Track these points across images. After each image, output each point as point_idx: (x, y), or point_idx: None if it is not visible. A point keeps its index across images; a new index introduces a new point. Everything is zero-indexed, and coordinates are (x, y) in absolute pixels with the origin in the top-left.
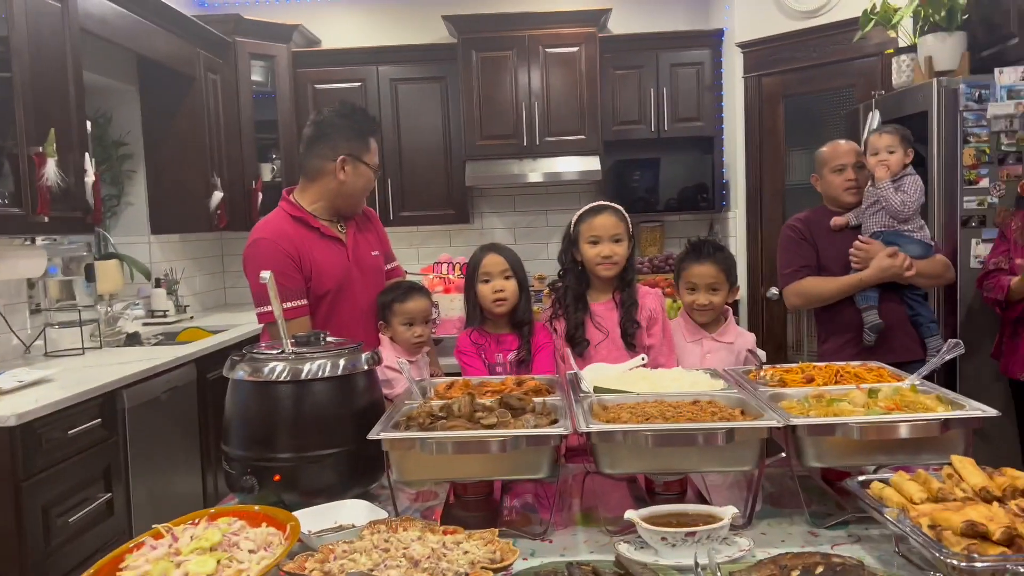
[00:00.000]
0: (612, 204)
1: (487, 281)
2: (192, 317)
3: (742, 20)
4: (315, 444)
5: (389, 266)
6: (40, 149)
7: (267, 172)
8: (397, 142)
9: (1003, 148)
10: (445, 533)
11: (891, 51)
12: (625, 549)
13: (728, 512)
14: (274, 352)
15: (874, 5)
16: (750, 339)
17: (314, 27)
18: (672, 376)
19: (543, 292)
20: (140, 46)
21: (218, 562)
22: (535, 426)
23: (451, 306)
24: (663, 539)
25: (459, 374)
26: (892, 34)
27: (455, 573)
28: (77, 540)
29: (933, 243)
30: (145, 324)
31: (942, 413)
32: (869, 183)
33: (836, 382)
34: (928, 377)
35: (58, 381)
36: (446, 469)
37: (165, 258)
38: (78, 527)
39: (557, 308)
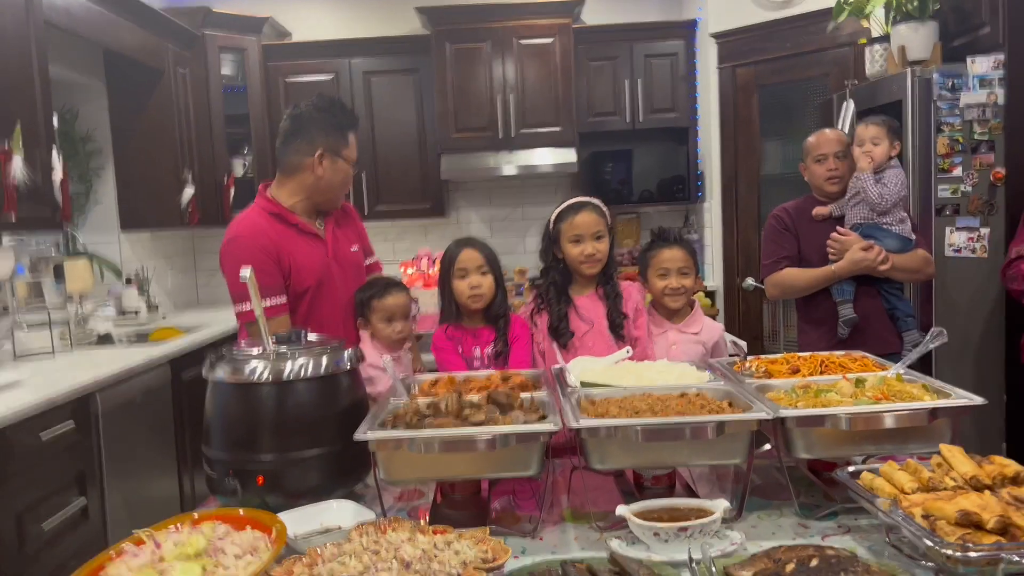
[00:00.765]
0: (591, 200)
1: (463, 277)
2: (165, 316)
3: (716, 10)
4: (299, 445)
5: (368, 261)
6: (5, 146)
7: (239, 167)
8: (371, 135)
9: (976, 137)
10: (435, 533)
11: (864, 41)
12: (617, 545)
13: (720, 506)
14: (254, 352)
15: None
16: (717, 330)
17: (285, 20)
18: (659, 368)
19: (524, 286)
20: (107, 39)
21: (204, 569)
22: (524, 423)
23: (432, 301)
24: (655, 534)
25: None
26: (865, 24)
27: (447, 574)
28: (52, 547)
29: (914, 237)
30: (117, 324)
31: (930, 402)
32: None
33: (821, 372)
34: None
35: (28, 384)
36: (434, 468)
37: (136, 256)
38: (53, 534)
39: (540, 303)
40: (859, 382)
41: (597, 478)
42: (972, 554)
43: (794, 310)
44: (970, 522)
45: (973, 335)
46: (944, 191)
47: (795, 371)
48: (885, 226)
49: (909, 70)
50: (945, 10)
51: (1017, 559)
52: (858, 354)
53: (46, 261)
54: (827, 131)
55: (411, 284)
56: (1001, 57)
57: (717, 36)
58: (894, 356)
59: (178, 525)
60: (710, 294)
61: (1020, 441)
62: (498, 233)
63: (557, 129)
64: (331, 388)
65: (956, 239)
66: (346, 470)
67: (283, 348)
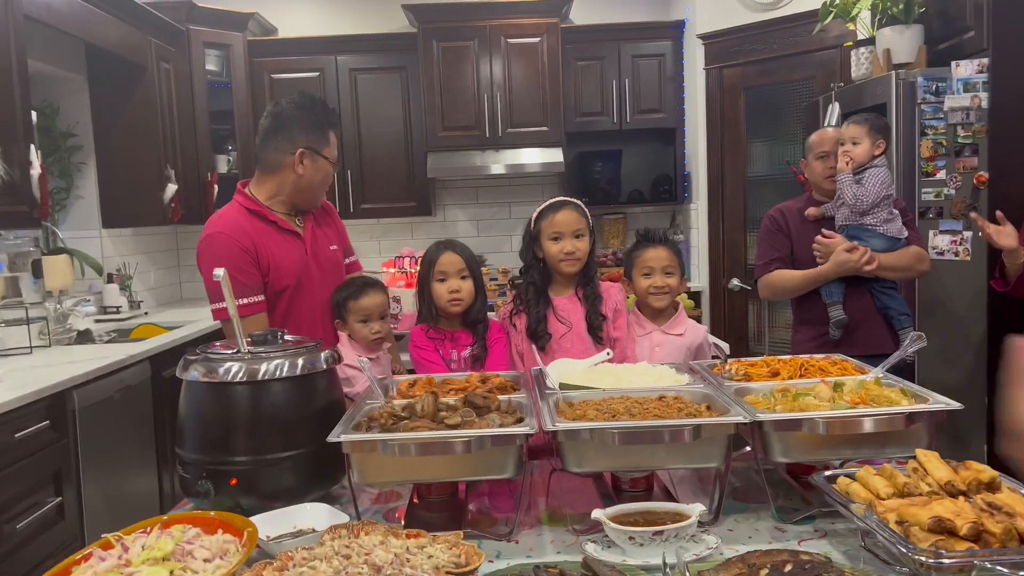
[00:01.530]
0: (572, 200)
1: (443, 280)
2: (147, 313)
3: (703, 12)
4: (273, 446)
5: (348, 260)
6: None
7: (223, 164)
8: (357, 133)
9: (960, 140)
10: (408, 537)
11: (850, 43)
12: (592, 549)
13: (695, 510)
14: (230, 352)
15: None
16: (701, 332)
17: (270, 15)
18: (638, 371)
19: (507, 286)
20: (88, 34)
21: (171, 573)
22: (500, 425)
23: (413, 301)
24: (631, 538)
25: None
26: (851, 27)
27: None
28: (26, 546)
29: (905, 235)
30: (97, 321)
31: (907, 407)
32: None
33: (801, 376)
34: (892, 369)
35: (4, 382)
36: (409, 471)
37: (117, 252)
38: (27, 533)
39: (518, 304)
40: (837, 386)
41: (575, 480)
42: (945, 561)
43: (779, 311)
44: (943, 528)
45: (956, 338)
46: (928, 194)
47: (775, 374)
48: (869, 227)
49: (893, 73)
50: (930, 14)
51: (989, 566)
52: (838, 357)
53: (24, 257)
54: (829, 129)
55: (393, 284)
56: (985, 61)
57: (704, 37)
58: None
59: (147, 528)
60: (695, 295)
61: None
62: (484, 232)
63: (544, 129)
64: (307, 389)
65: (939, 242)
66: (321, 472)
67: (259, 348)
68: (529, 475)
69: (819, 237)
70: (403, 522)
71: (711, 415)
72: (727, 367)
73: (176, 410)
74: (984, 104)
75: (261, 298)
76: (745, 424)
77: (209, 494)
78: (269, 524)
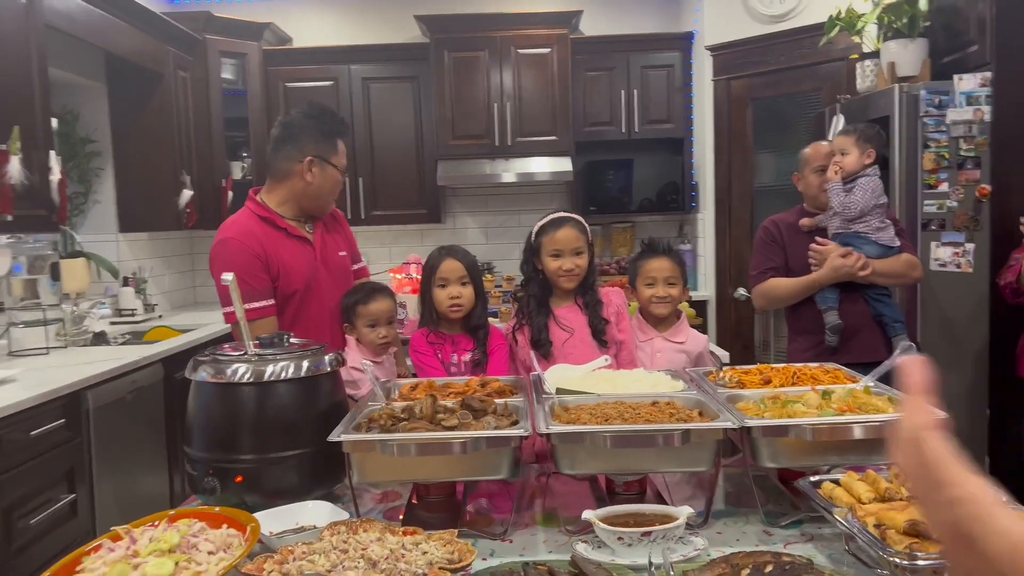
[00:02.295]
0: (573, 216)
1: (443, 286)
2: (161, 316)
3: (711, 23)
4: (278, 445)
5: (356, 266)
6: (3, 147)
7: (237, 170)
8: (369, 141)
9: (962, 153)
10: (405, 534)
11: (855, 56)
12: (583, 549)
13: (683, 512)
14: (237, 354)
15: (839, 11)
16: (703, 341)
17: (286, 25)
18: (634, 377)
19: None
20: (108, 43)
21: (176, 564)
22: (495, 427)
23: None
24: (620, 539)
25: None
26: (856, 39)
27: (413, 574)
28: (40, 542)
29: (897, 244)
30: (112, 323)
31: (892, 414)
32: None
33: (793, 383)
34: (887, 378)
35: (21, 381)
36: (407, 470)
37: (133, 256)
38: (40, 529)
39: (521, 318)
40: (826, 394)
41: (571, 483)
42: (919, 562)
43: (784, 322)
44: (918, 531)
45: (957, 349)
46: (930, 206)
47: (767, 382)
48: (862, 234)
49: (897, 86)
50: (935, 28)
51: None
52: (831, 366)
53: (43, 260)
54: (823, 143)
55: (399, 290)
56: (988, 75)
57: (712, 49)
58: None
59: (155, 522)
60: (701, 303)
61: (1003, 452)
62: (493, 240)
63: (554, 138)
64: (311, 390)
65: (942, 254)
66: (324, 471)
67: (265, 350)
68: (527, 478)
69: (813, 244)
70: (401, 521)
71: (702, 421)
72: (721, 374)
73: (187, 411)
74: (987, 118)
75: (271, 302)
76: (735, 430)
77: (215, 491)
78: (272, 520)
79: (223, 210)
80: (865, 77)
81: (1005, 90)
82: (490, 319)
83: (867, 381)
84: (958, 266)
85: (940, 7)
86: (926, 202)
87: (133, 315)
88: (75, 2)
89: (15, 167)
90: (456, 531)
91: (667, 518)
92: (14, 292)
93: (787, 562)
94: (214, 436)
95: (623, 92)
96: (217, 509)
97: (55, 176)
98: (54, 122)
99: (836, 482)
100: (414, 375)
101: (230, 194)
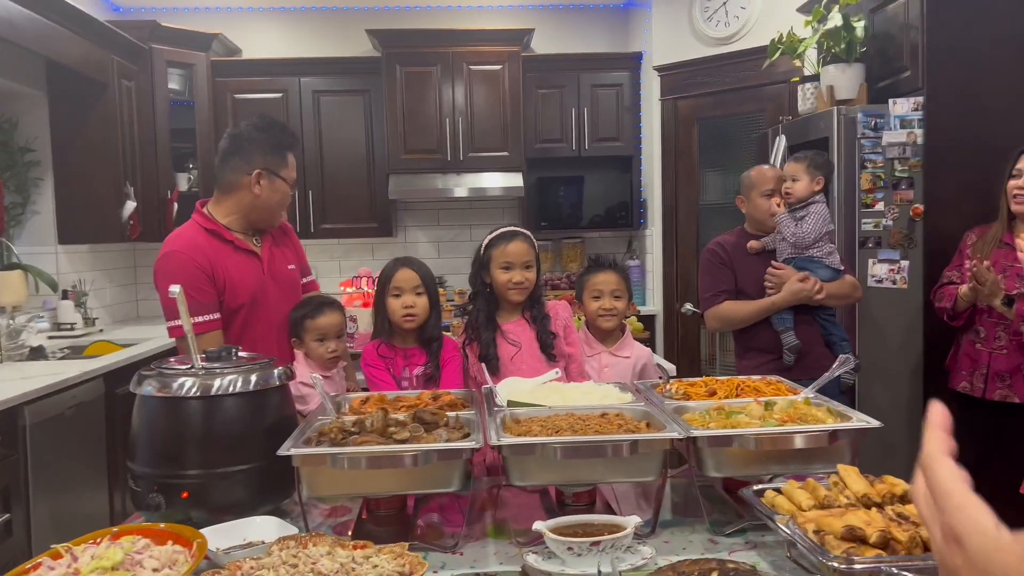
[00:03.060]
0: (523, 231)
1: (398, 296)
2: (102, 330)
3: (659, 44)
4: (225, 460)
5: (305, 280)
6: None
7: (183, 182)
8: (319, 154)
9: (897, 174)
10: (355, 548)
11: (796, 79)
12: (533, 560)
13: (631, 521)
14: (184, 367)
15: (781, 35)
16: (646, 353)
17: (235, 36)
18: (583, 390)
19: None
20: (49, 50)
21: None
22: (447, 440)
23: (370, 320)
24: (569, 549)
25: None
26: (798, 63)
27: None
28: None
29: (842, 267)
30: (51, 337)
31: (830, 425)
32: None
33: (737, 395)
34: (828, 391)
35: None
36: (358, 484)
37: (73, 269)
38: None
39: (470, 333)
40: (768, 405)
41: (522, 495)
42: (856, 566)
43: (731, 335)
44: (854, 536)
45: (894, 362)
46: (867, 224)
47: (712, 393)
48: (816, 259)
49: (836, 108)
50: (871, 53)
51: (895, 571)
52: (773, 379)
53: None
54: (766, 167)
55: (350, 303)
56: (920, 99)
57: (660, 69)
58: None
59: (97, 539)
60: (649, 318)
61: None
62: (445, 254)
63: (505, 154)
64: (259, 404)
65: (878, 270)
66: (272, 486)
67: (213, 364)
68: (477, 491)
69: (771, 269)
70: (351, 537)
71: (650, 431)
72: (668, 387)
73: (129, 427)
74: (919, 140)
75: (217, 316)
76: (680, 440)
77: (160, 507)
78: (220, 537)
79: (168, 222)
80: (806, 99)
81: (936, 114)
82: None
83: (807, 393)
84: (894, 282)
85: (876, 34)
86: (863, 220)
87: (72, 329)
88: (15, 8)
89: None
90: (407, 544)
91: (616, 528)
92: None
93: (731, 569)
94: (159, 451)
95: (573, 110)
96: (162, 525)
97: None
98: None
99: (778, 491)
100: (364, 390)
101: (175, 206)
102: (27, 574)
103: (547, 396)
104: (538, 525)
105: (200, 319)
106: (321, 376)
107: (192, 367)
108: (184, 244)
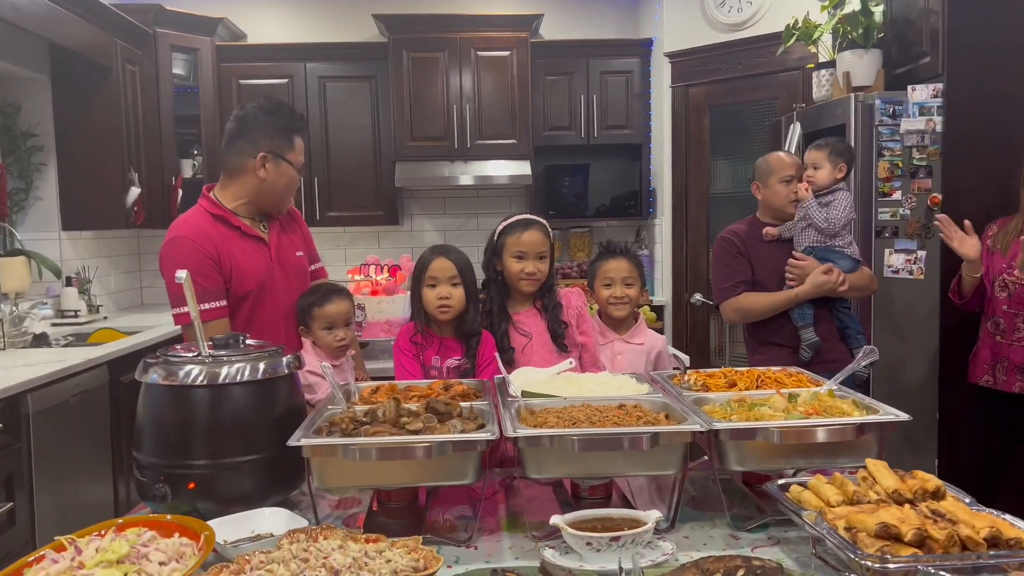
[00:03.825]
0: (538, 219)
1: (433, 286)
2: (106, 318)
3: (670, 30)
4: (232, 450)
5: (314, 267)
6: None
7: (188, 168)
8: (325, 140)
9: (915, 162)
10: (367, 541)
11: (812, 66)
12: (550, 555)
13: (652, 516)
14: (190, 355)
15: (796, 21)
16: (660, 341)
17: (240, 21)
18: (599, 380)
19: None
20: (52, 33)
21: (125, 575)
22: (461, 431)
23: (378, 308)
24: (588, 544)
25: (389, 377)
26: (813, 49)
27: None
28: None
29: (860, 259)
30: (54, 324)
31: (857, 418)
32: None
33: (757, 387)
34: (849, 383)
35: None
36: (370, 476)
37: (77, 255)
38: None
39: (485, 320)
40: (792, 397)
41: (536, 488)
42: (890, 565)
43: (741, 328)
44: (889, 534)
45: (909, 353)
46: (884, 213)
47: (732, 385)
48: (838, 248)
49: (852, 95)
50: (889, 39)
51: (932, 571)
52: (794, 370)
53: None
54: (782, 153)
55: (358, 291)
56: (940, 86)
57: (671, 56)
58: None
59: (102, 531)
60: (658, 308)
61: (952, 455)
62: (451, 243)
63: (513, 142)
64: (268, 393)
65: (894, 260)
66: (281, 477)
67: (220, 352)
68: (490, 483)
69: (791, 260)
70: (362, 528)
71: (669, 424)
72: (686, 378)
73: (134, 416)
74: (939, 128)
75: (223, 303)
76: (702, 433)
77: (166, 498)
78: (227, 529)
79: (172, 209)
80: (821, 86)
81: (956, 101)
82: None
83: (831, 384)
84: (910, 272)
85: (894, 19)
86: (880, 210)
87: (76, 316)
88: None
89: None
90: (420, 538)
91: (635, 522)
92: None
93: (758, 567)
94: (165, 441)
95: (582, 97)
96: (169, 517)
97: None
98: None
99: (803, 485)
100: (374, 379)
101: (180, 192)
102: (29, 566)
103: (562, 386)
104: (555, 519)
105: (206, 306)
106: (331, 364)
107: (199, 355)
108: (190, 230)
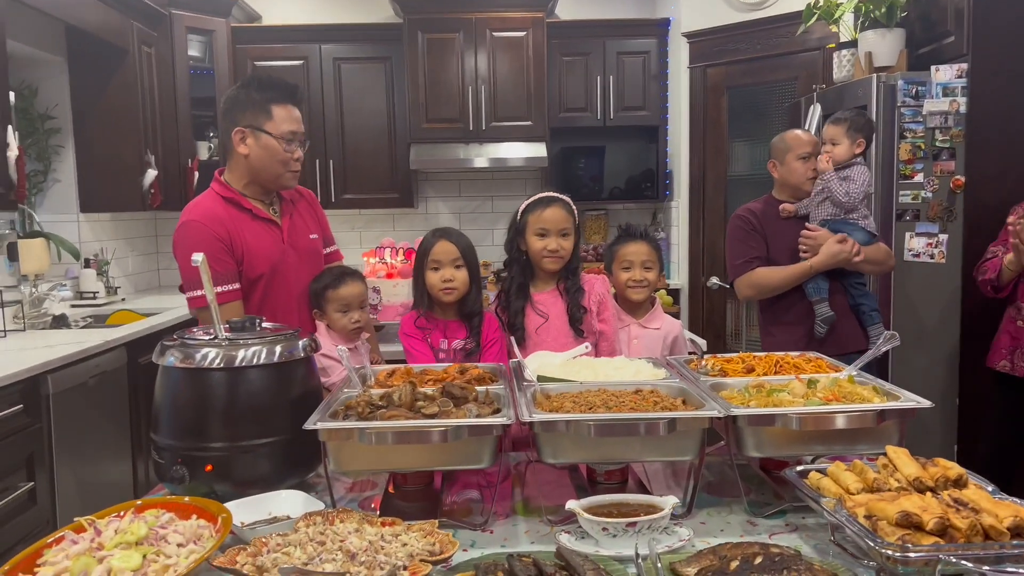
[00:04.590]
0: (561, 196)
1: (436, 269)
2: (124, 299)
3: (688, 10)
4: (249, 433)
5: (328, 250)
6: None
7: (204, 150)
8: (340, 122)
9: (938, 144)
10: (383, 525)
11: (832, 45)
12: (566, 539)
13: (669, 502)
14: (207, 338)
15: (817, 0)
16: (676, 326)
17: (255, 2)
18: (615, 365)
19: (487, 280)
20: (69, 15)
21: (144, 557)
22: (477, 415)
23: (394, 291)
24: (604, 529)
25: (402, 360)
26: (834, 29)
27: (392, 566)
28: None
29: (877, 233)
30: (73, 306)
31: (878, 404)
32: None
33: (776, 372)
34: (866, 367)
35: None
36: (385, 460)
37: (95, 237)
38: None
39: (502, 299)
40: (811, 383)
41: (551, 472)
42: (911, 554)
43: (757, 311)
44: (910, 523)
45: (929, 338)
46: (905, 196)
47: (750, 370)
48: (852, 220)
49: (875, 76)
50: (912, 18)
51: (954, 560)
52: (812, 355)
53: (0, 240)
54: (800, 131)
55: (373, 274)
56: (965, 66)
57: (689, 36)
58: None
59: (121, 513)
60: (674, 292)
61: (971, 442)
62: (467, 226)
63: (528, 123)
64: (284, 376)
65: (915, 244)
66: (297, 460)
67: (236, 335)
68: (505, 467)
69: (804, 231)
70: (378, 511)
71: (686, 409)
72: (703, 363)
73: (152, 397)
74: (962, 109)
75: (236, 287)
76: (719, 418)
77: (184, 480)
78: (244, 511)
79: (189, 191)
80: (842, 67)
81: (981, 82)
82: None
83: (851, 370)
84: (931, 256)
85: None
86: (901, 192)
87: (95, 298)
88: None
89: None
90: (436, 521)
91: (652, 508)
92: None
93: (776, 554)
94: (183, 423)
95: (599, 78)
96: (186, 499)
97: (12, 153)
98: (11, 97)
99: (822, 472)
100: (388, 362)
101: (196, 175)
102: (49, 547)
103: (578, 371)
104: (571, 504)
105: (219, 289)
106: (346, 348)
107: (216, 338)
108: (201, 213)
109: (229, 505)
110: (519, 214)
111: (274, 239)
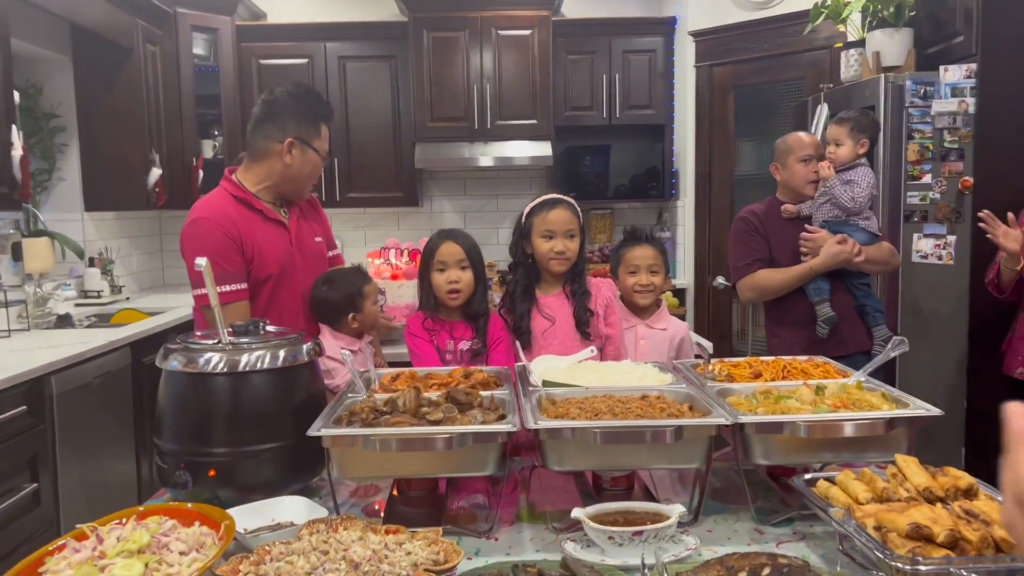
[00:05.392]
0: (566, 198)
1: (442, 270)
2: (128, 298)
3: (695, 9)
4: (253, 438)
5: (331, 254)
6: None
7: (208, 149)
8: (344, 121)
9: (946, 145)
10: (387, 533)
11: (840, 45)
12: (571, 548)
13: (675, 511)
14: (210, 342)
15: None
16: (683, 327)
17: (260, 0)
18: (621, 369)
19: (492, 280)
20: (74, 13)
21: (146, 565)
22: (482, 422)
23: (398, 293)
24: (610, 538)
25: (405, 363)
26: (841, 28)
27: (397, 575)
28: (0, 532)
29: (880, 233)
30: (77, 305)
31: (888, 412)
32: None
33: (783, 378)
34: (873, 371)
35: None
36: (390, 466)
37: (100, 236)
38: (1, 519)
39: (507, 301)
40: (819, 389)
41: (556, 478)
42: (921, 567)
43: (762, 312)
44: (920, 535)
45: (936, 342)
46: (913, 197)
47: (757, 375)
48: (852, 221)
49: (882, 76)
50: (920, 18)
51: (965, 573)
52: (820, 360)
53: (4, 239)
54: (802, 133)
55: (378, 276)
56: (973, 66)
57: (695, 34)
58: (865, 354)
59: (123, 519)
60: (680, 292)
61: (979, 448)
62: (472, 225)
63: (533, 122)
64: (288, 381)
65: (923, 245)
66: (301, 465)
67: (240, 339)
68: (510, 473)
69: (804, 233)
70: (382, 515)
71: (693, 416)
72: (710, 367)
73: (156, 397)
74: (971, 109)
75: (244, 286)
76: (727, 426)
77: (187, 485)
78: (247, 517)
79: (193, 190)
80: (849, 66)
81: (990, 82)
82: None
83: (859, 376)
84: (939, 258)
85: None
86: (909, 193)
87: (99, 297)
88: None
89: None
90: (440, 529)
91: (658, 516)
92: None
93: (784, 564)
94: (186, 428)
95: (604, 77)
96: (189, 505)
97: (17, 152)
98: (16, 96)
99: (831, 480)
100: (392, 364)
101: (201, 173)
102: (51, 555)
103: (583, 376)
104: (577, 512)
105: (228, 288)
106: (348, 351)
107: (219, 342)
108: (213, 211)
109: (232, 511)
110: (524, 217)
111: (283, 241)
